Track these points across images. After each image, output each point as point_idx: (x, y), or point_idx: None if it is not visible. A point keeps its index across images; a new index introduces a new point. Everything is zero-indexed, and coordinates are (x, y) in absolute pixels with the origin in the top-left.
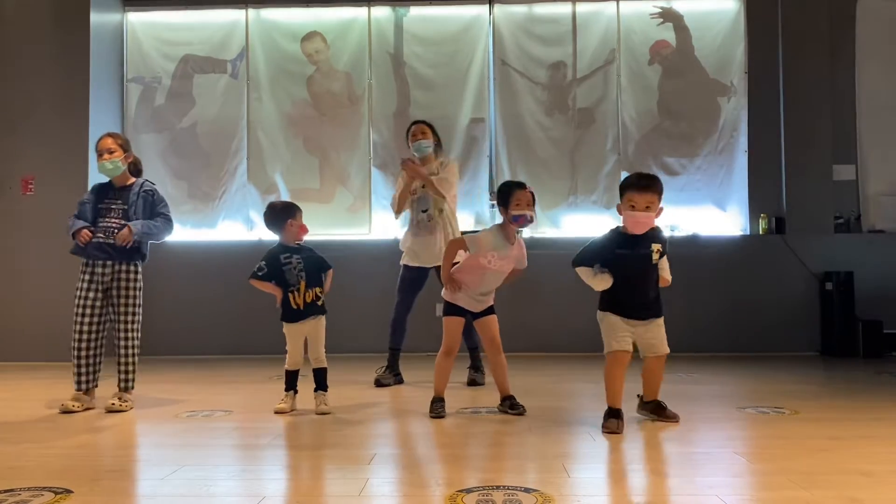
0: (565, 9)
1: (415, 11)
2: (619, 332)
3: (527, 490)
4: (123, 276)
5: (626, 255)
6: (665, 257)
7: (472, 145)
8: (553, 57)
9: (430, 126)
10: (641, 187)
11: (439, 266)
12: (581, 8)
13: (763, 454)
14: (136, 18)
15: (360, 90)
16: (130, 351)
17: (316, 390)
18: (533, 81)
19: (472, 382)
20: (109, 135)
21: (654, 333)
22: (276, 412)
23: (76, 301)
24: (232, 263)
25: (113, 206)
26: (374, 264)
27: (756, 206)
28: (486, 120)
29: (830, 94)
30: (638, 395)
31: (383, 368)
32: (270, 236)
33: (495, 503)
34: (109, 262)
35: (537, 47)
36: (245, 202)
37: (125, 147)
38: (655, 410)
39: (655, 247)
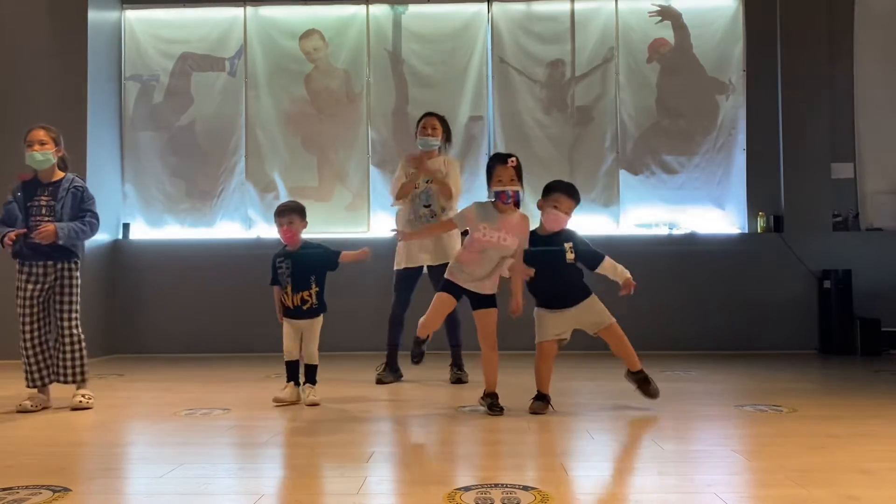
0: (564, 7)
1: (413, 9)
2: (545, 326)
3: (525, 488)
4: (66, 273)
5: (544, 253)
6: (606, 261)
7: (471, 143)
8: (551, 55)
9: (442, 120)
10: (569, 194)
11: (440, 265)
12: (579, 6)
13: (761, 452)
14: (134, 16)
15: (358, 88)
16: (77, 346)
17: (304, 383)
18: (531, 79)
19: (458, 381)
20: (41, 126)
21: (591, 312)
22: (275, 400)
23: (18, 301)
24: (230, 262)
25: (42, 203)
26: (373, 262)
27: (754, 204)
28: (485, 118)
29: (829, 92)
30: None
31: (383, 366)
32: (268, 234)
33: (494, 501)
34: (50, 263)
35: (536, 45)
36: (243, 200)
37: (57, 140)
38: (640, 384)
39: (567, 245)
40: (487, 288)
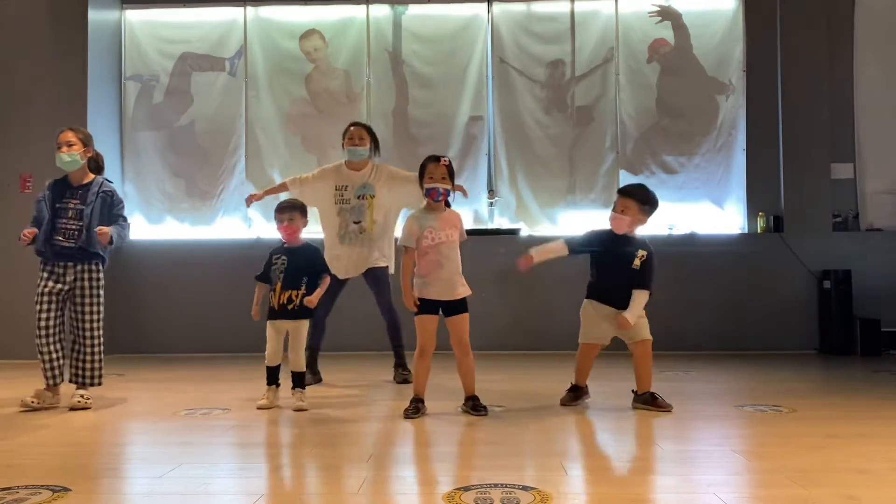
0: (564, 7)
1: (413, 9)
2: (588, 329)
3: (525, 488)
4: (87, 275)
5: (611, 251)
6: (646, 293)
7: (471, 143)
8: (551, 55)
9: (369, 130)
10: (625, 194)
11: (370, 268)
12: (579, 6)
13: (761, 452)
14: (135, 16)
15: (358, 88)
16: (98, 349)
17: (293, 388)
18: (531, 79)
19: (404, 381)
20: (70, 128)
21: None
22: (259, 408)
23: (37, 299)
24: (230, 261)
25: (70, 206)
26: None
27: (754, 204)
28: (485, 118)
29: (829, 92)
30: (632, 391)
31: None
32: (268, 234)
33: (493, 501)
34: (71, 264)
35: (536, 45)
36: (243, 200)
37: (86, 141)
38: (648, 401)
39: (640, 252)
40: (460, 291)
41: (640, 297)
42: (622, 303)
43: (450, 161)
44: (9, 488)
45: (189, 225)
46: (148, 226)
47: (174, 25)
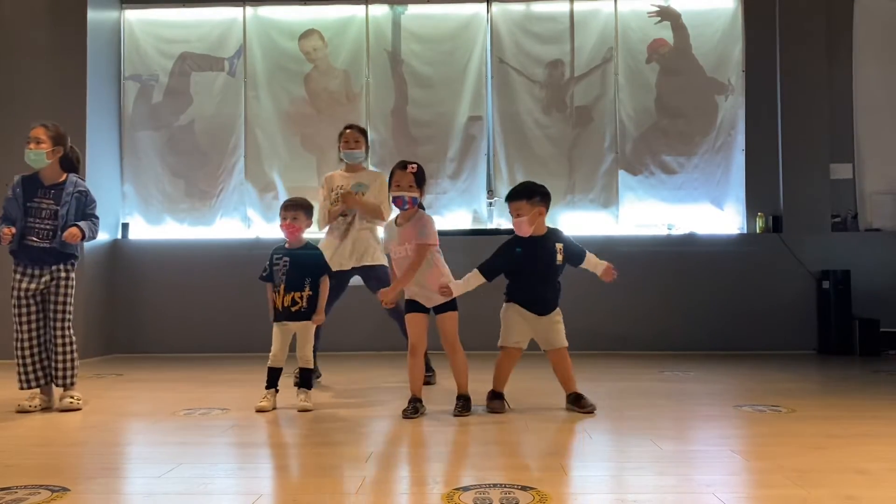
0: (563, 7)
1: (413, 9)
2: (513, 330)
3: (524, 488)
4: (62, 275)
5: (531, 255)
6: (588, 255)
7: (470, 143)
8: (551, 55)
9: (363, 132)
10: (508, 198)
11: (364, 266)
12: (579, 6)
13: (760, 452)
14: (134, 16)
15: (357, 88)
16: (69, 348)
17: (299, 387)
18: (531, 79)
19: (426, 382)
20: (42, 124)
21: (551, 326)
22: (258, 410)
23: (13, 302)
24: (229, 261)
25: (43, 206)
26: None
27: (753, 204)
28: (484, 118)
29: (828, 92)
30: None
31: None
32: (267, 234)
33: (492, 501)
34: (45, 265)
35: (535, 45)
36: (242, 200)
37: (56, 140)
38: (574, 402)
39: (558, 246)
40: (436, 299)
41: (592, 258)
42: (546, 307)
43: (418, 167)
44: (8, 488)
45: (188, 225)
46: (147, 226)
47: (173, 25)
